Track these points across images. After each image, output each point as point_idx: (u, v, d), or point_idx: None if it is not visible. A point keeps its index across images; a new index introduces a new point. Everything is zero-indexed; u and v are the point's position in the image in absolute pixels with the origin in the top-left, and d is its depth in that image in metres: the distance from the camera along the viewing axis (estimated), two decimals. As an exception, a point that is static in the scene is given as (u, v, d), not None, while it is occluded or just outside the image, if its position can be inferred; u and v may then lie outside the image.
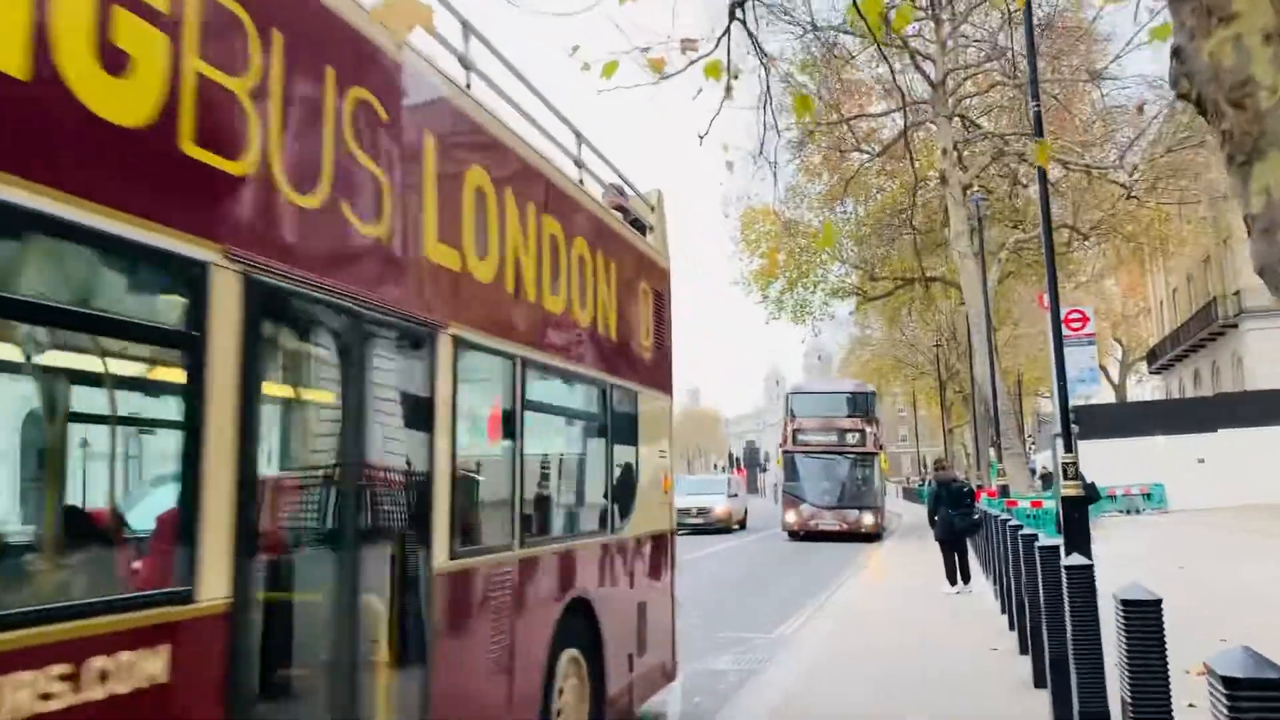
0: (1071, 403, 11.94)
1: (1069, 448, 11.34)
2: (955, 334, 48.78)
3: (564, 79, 7.23)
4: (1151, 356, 50.36)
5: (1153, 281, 51.37)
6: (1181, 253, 36.66)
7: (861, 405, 28.27)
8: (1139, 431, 30.99)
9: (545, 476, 5.84)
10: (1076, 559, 5.64)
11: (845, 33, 28.59)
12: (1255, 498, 27.26)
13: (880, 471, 26.90)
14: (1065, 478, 11.15)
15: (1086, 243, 33.61)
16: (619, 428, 6.52)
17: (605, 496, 6.36)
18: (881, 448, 26.24)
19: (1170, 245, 34.39)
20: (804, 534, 26.42)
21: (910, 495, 63.67)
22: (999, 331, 39.43)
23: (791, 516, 26.65)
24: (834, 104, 31.24)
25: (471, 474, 4.82)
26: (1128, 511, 29.53)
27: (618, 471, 6.51)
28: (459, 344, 4.49)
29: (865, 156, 34.03)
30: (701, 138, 6.68)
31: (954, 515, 13.30)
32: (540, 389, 5.44)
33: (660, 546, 7.20)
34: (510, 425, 5.08)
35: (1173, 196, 29.25)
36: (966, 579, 13.34)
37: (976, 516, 13.80)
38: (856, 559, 19.29)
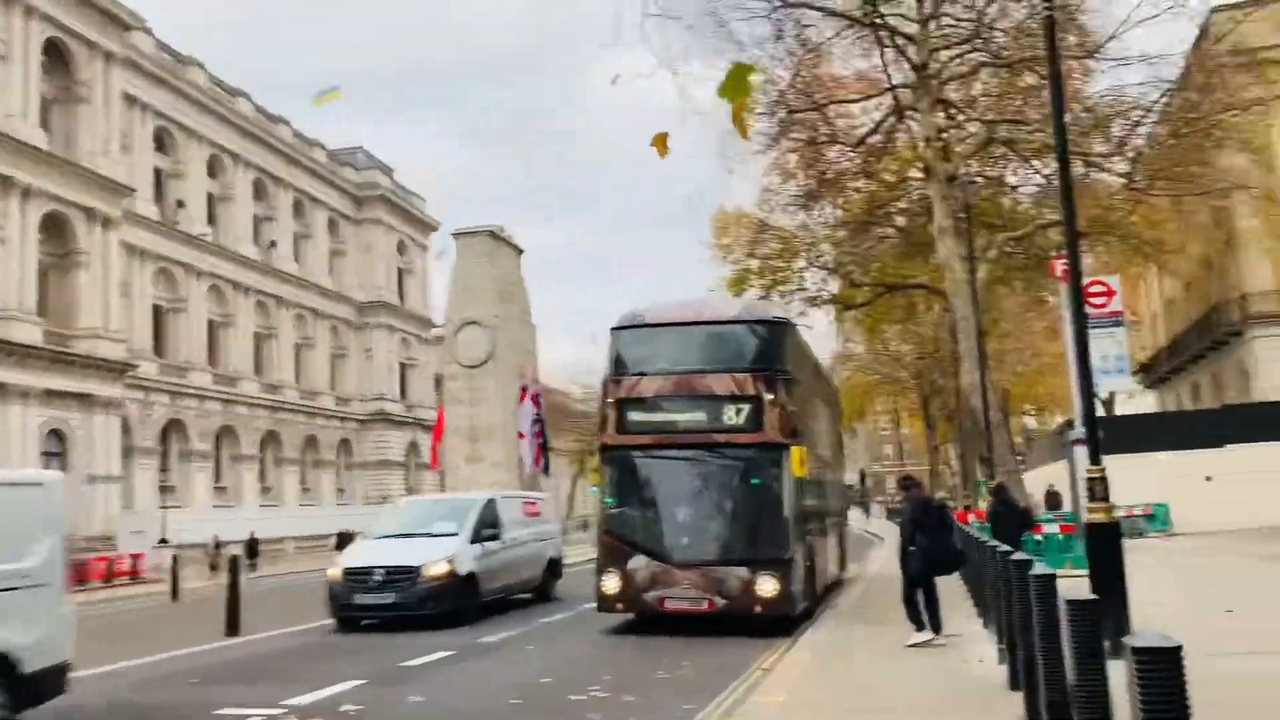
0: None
1: (1095, 459, 8.63)
2: (939, 347, 46.65)
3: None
4: (1145, 370, 47.91)
5: (1147, 291, 49.07)
6: (1181, 256, 34.24)
7: (758, 351, 13.46)
8: (1139, 447, 28.45)
9: None
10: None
11: (816, 9, 26.18)
12: (1268, 518, 24.79)
13: (792, 480, 12.60)
14: (1093, 498, 8.45)
15: (1080, 244, 31.11)
16: None
17: None
18: (797, 433, 12.79)
19: (1168, 249, 32.07)
20: (642, 615, 13.28)
21: (895, 514, 61.12)
22: (986, 342, 36.93)
23: (612, 582, 12.90)
24: (807, 90, 28.81)
25: None
26: (1130, 535, 26.88)
27: None
28: None
29: (842, 152, 31.66)
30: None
31: (933, 545, 10.52)
32: None
33: None
34: None
35: (1175, 191, 26.85)
36: (938, 626, 10.52)
37: (955, 545, 11.08)
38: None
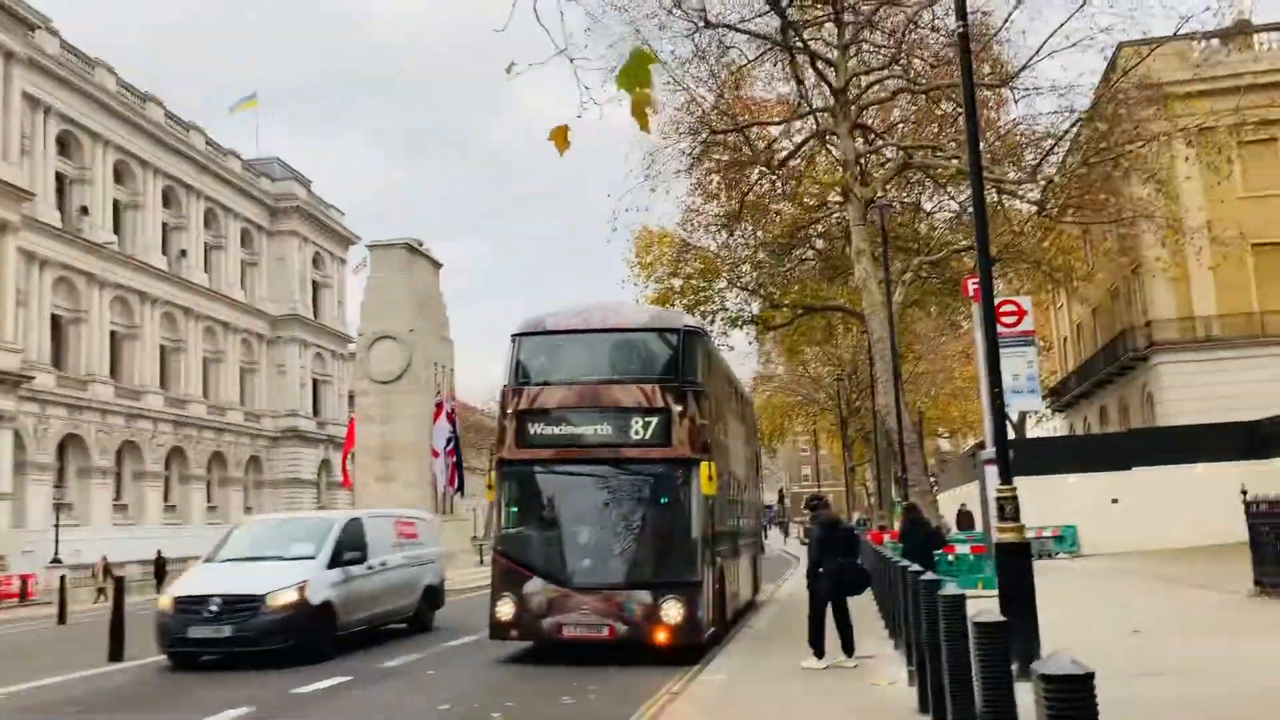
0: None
1: (1006, 479, 8.56)
2: (857, 369, 47.29)
3: None
4: (1054, 394, 49.10)
5: (1055, 317, 50.36)
6: (1090, 283, 35.21)
7: (667, 361, 12.80)
8: (1049, 469, 29.02)
9: None
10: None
11: (740, 31, 26.33)
12: (1171, 540, 25.43)
13: (701, 498, 11.84)
14: (1003, 518, 8.37)
15: (992, 269, 31.72)
16: None
17: None
18: (708, 448, 12.08)
19: (1077, 276, 32.95)
20: (540, 642, 12.27)
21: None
22: (902, 364, 37.47)
23: (506, 607, 11.95)
24: (729, 111, 28.97)
25: None
26: (1039, 555, 27.36)
27: None
28: None
29: (764, 174, 31.90)
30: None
31: (842, 567, 10.36)
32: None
33: None
34: None
35: (1084, 219, 27.57)
36: (850, 649, 10.36)
37: (862, 567, 10.89)
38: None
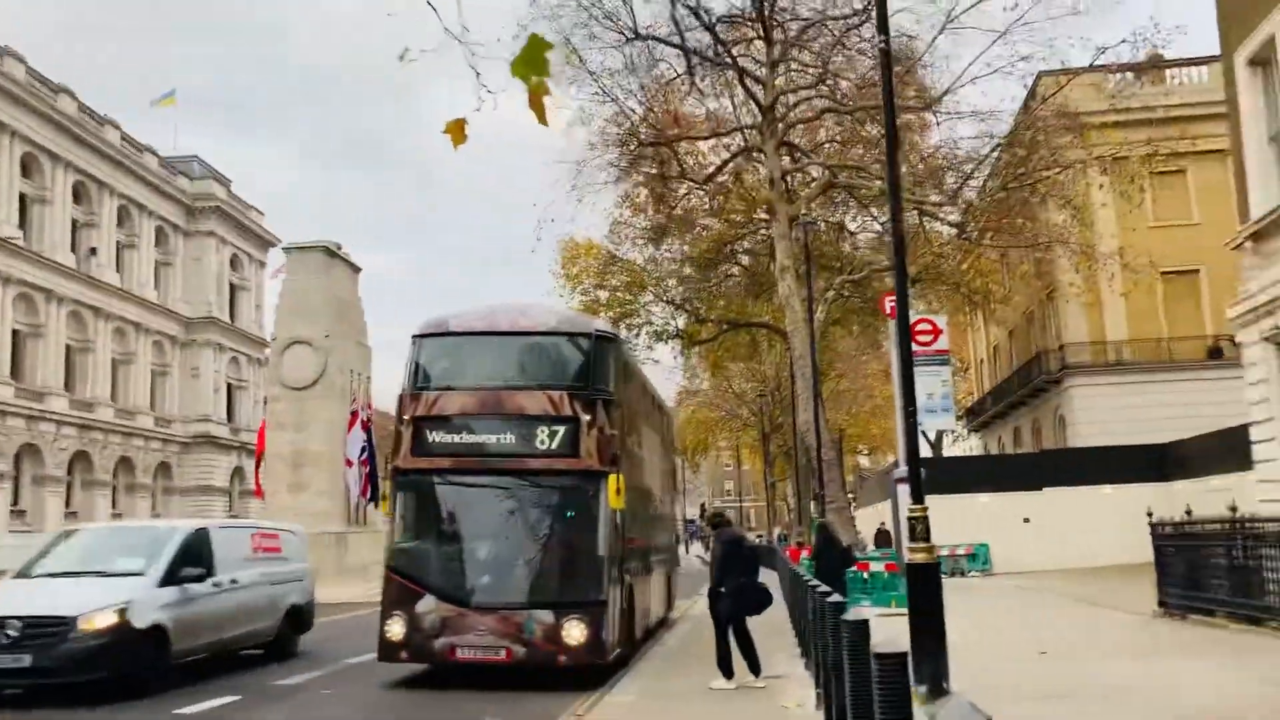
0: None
1: (918, 498, 8.49)
2: (780, 386, 47.63)
3: None
4: (971, 414, 50.04)
5: (973, 339, 51.34)
6: (1007, 306, 35.94)
7: (578, 367, 12.18)
8: (964, 488, 29.44)
9: None
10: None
11: (669, 44, 26.34)
12: (1080, 559, 25.95)
13: (610, 512, 11.33)
14: (914, 537, 8.29)
15: (912, 290, 32.16)
16: None
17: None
18: (618, 460, 11.52)
19: (995, 299, 33.62)
20: (433, 664, 11.53)
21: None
22: (824, 383, 37.81)
23: (397, 627, 11.12)
24: (658, 125, 28.96)
25: None
26: (952, 573, 27.72)
27: None
28: None
29: (691, 189, 31.98)
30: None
31: (743, 586, 10.20)
32: None
33: None
34: None
35: (1002, 243, 28.10)
36: (756, 668, 10.19)
37: (763, 586, 10.55)
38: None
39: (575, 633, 10.67)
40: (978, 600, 19.15)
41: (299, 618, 14.45)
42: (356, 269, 31.26)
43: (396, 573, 11.39)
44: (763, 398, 51.94)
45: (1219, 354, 25.01)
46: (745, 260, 36.08)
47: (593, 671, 10.78)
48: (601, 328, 12.95)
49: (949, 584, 25.44)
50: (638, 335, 35.54)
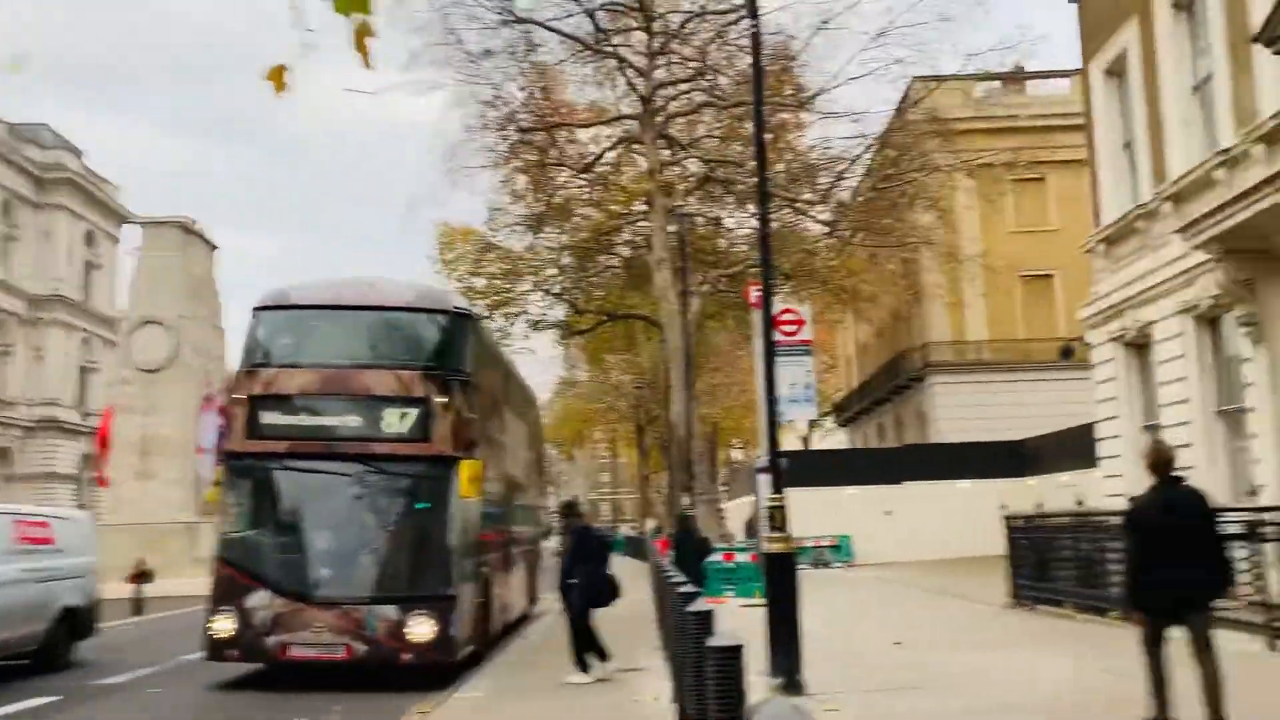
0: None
1: (777, 487, 8.42)
2: (657, 378, 47.76)
3: None
4: (839, 410, 51.23)
5: (843, 336, 52.52)
6: (875, 305, 36.80)
7: (433, 346, 11.40)
8: (830, 481, 30.06)
9: None
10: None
11: (549, 29, 26.00)
12: (938, 552, 26.77)
13: (461, 502, 10.70)
14: (772, 527, 8.21)
15: (785, 287, 32.61)
16: None
17: None
18: (473, 446, 11.08)
19: (863, 298, 34.38)
20: (267, 663, 10.71)
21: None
22: (699, 377, 38.05)
23: (226, 623, 10.28)
24: (538, 111, 28.57)
25: None
26: (815, 564, 28.24)
27: None
28: None
29: (572, 178, 31.68)
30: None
31: (593, 578, 9.99)
32: None
33: None
34: None
35: (871, 242, 28.70)
36: (604, 654, 9.98)
37: (613, 577, 10.25)
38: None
39: (421, 629, 10.00)
40: (838, 591, 19.46)
41: (76, 622, 12.48)
42: (213, 246, 29.87)
43: (227, 564, 10.49)
44: (639, 390, 52.00)
45: (1069, 353, 26.09)
46: (625, 252, 35.96)
47: (441, 670, 10.16)
48: (460, 304, 12.09)
49: (813, 575, 26.03)
50: (514, 324, 35.10)
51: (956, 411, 34.03)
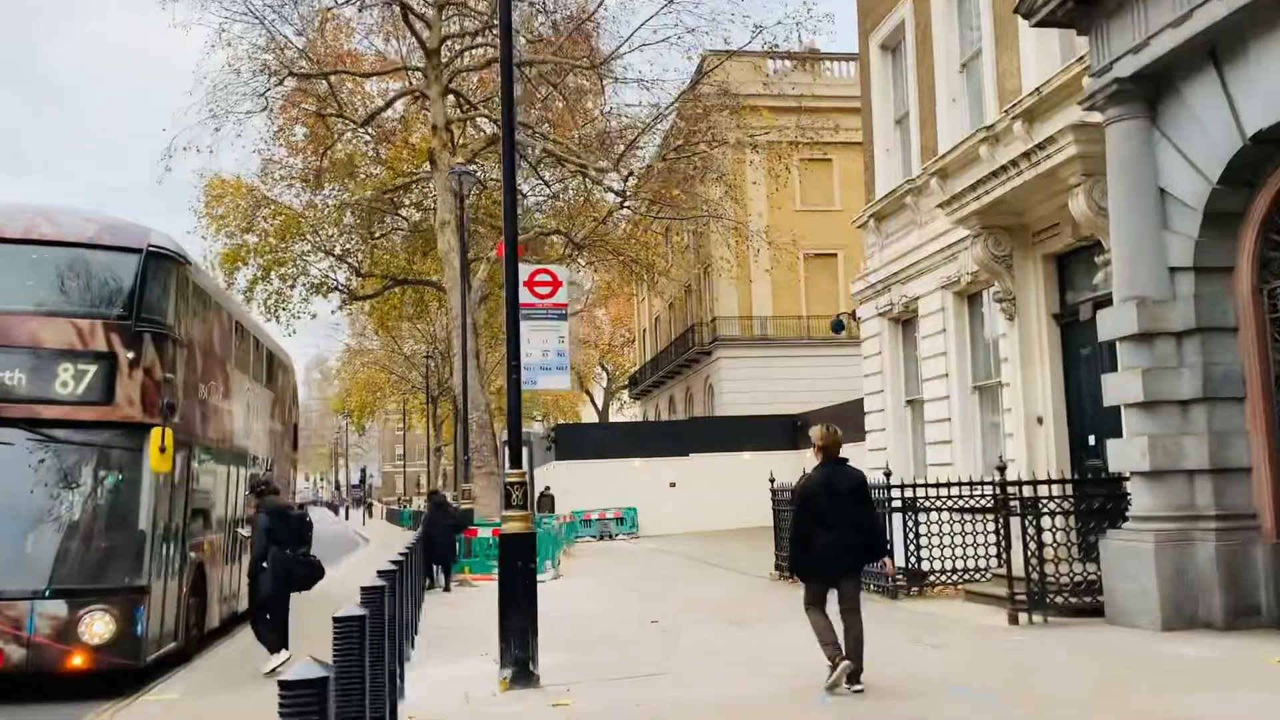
0: (533, 392, 8.17)
1: (515, 462, 7.66)
2: (449, 347, 46.28)
3: None
4: (633, 383, 51.37)
5: (638, 310, 52.62)
6: (668, 278, 36.80)
7: (125, 292, 9.50)
8: (619, 453, 29.86)
9: None
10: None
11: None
12: (720, 523, 27.00)
13: (153, 480, 9.08)
14: (509, 505, 7.45)
15: (579, 259, 32.01)
16: None
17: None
18: (173, 410, 9.13)
19: (657, 271, 34.25)
20: None
21: (394, 518, 59.98)
22: (494, 347, 37.00)
23: None
24: (318, 59, 26.66)
25: None
26: (601, 536, 27.97)
27: None
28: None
29: (356, 133, 29.90)
30: None
31: (292, 559, 9.07)
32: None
33: None
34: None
35: (664, 214, 28.46)
36: (285, 643, 9.14)
37: (313, 559, 9.43)
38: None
39: (97, 628, 8.44)
40: (615, 563, 19.12)
41: None
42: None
43: None
44: (430, 359, 50.41)
45: (840, 327, 26.69)
46: (414, 215, 34.32)
47: (126, 677, 8.66)
48: (159, 242, 9.87)
49: (595, 547, 25.54)
50: (293, 287, 32.91)
51: (742, 385, 34.54)
